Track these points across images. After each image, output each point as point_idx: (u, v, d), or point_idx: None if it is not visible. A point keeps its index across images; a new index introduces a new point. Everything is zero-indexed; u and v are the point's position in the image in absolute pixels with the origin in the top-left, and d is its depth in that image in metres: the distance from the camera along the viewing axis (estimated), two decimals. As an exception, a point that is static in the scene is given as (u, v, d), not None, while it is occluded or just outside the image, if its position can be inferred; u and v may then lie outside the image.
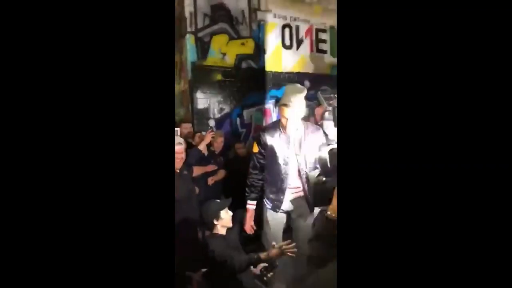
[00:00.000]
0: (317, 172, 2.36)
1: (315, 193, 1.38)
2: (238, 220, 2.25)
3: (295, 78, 4.35)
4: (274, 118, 4.14)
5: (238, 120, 3.92)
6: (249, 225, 2.10)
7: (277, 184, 2.02)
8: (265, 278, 1.97)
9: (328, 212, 0.74)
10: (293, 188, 2.03)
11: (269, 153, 2.01)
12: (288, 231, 2.12)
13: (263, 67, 4.11)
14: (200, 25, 3.64)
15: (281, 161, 1.98)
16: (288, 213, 2.08)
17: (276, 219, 2.07)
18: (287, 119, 1.92)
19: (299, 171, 2.00)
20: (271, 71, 4.16)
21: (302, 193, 2.05)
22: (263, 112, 4.09)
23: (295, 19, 4.47)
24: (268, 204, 2.10)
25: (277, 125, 2.03)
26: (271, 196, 2.07)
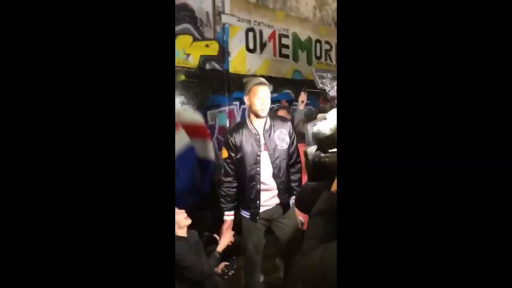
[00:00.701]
0: (314, 147, 2.36)
1: (314, 169, 1.37)
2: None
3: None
4: (238, 119, 4.19)
5: (202, 121, 3.92)
6: (228, 238, 1.93)
7: (251, 188, 1.89)
8: (226, 277, 1.99)
9: (334, 190, 0.74)
10: (267, 190, 1.90)
11: (239, 155, 1.88)
12: (269, 234, 2.04)
13: (227, 69, 4.14)
14: (163, 24, 3.60)
15: (251, 161, 1.85)
16: (266, 220, 1.98)
17: (254, 228, 1.96)
18: (263, 99, 1.80)
19: (272, 168, 1.89)
20: (235, 73, 4.20)
21: (277, 200, 1.94)
22: (226, 114, 4.11)
23: (259, 24, 4.57)
24: (245, 214, 1.97)
25: (243, 124, 1.92)
26: (246, 203, 1.94)
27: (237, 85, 4.22)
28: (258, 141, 1.87)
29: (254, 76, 1.98)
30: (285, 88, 4.76)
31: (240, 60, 4.31)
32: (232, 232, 1.93)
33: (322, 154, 1.04)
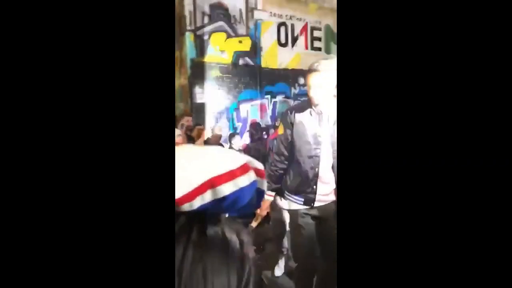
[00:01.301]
0: None
1: None
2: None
3: (290, 74, 4.57)
4: (269, 113, 4.35)
5: (234, 114, 4.13)
6: (264, 212, 1.82)
7: (308, 171, 1.61)
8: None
9: None
10: (323, 183, 1.62)
11: (298, 134, 1.62)
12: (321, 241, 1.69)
13: (259, 64, 4.30)
14: (199, 23, 3.82)
15: (311, 140, 1.58)
16: (317, 218, 1.67)
17: (304, 226, 1.67)
18: (315, 87, 1.53)
19: (332, 158, 1.60)
20: (267, 68, 4.35)
21: (333, 196, 1.64)
22: (258, 107, 4.29)
23: (290, 18, 4.65)
24: (298, 200, 1.67)
25: (307, 103, 1.65)
26: (301, 188, 1.65)
27: (268, 79, 4.38)
28: (321, 120, 1.59)
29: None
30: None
31: (271, 55, 4.44)
32: (269, 209, 1.80)
33: None
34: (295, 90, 4.60)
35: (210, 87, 3.94)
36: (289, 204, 1.73)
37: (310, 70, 1.56)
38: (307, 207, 1.65)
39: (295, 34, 4.72)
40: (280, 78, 4.47)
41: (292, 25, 4.67)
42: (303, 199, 1.66)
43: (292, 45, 4.67)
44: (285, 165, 1.71)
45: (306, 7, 4.86)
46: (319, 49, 5.01)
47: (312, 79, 1.55)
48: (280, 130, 1.70)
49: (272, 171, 1.75)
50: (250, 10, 4.19)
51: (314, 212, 1.66)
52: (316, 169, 1.61)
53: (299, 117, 1.62)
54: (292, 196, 1.69)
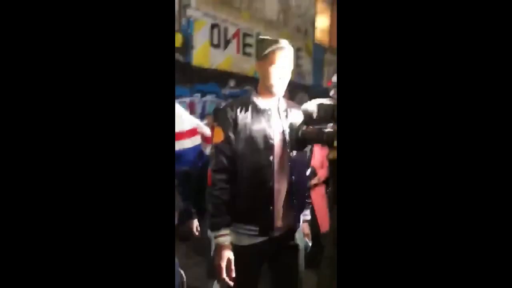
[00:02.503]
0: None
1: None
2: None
3: (222, 76, 4.59)
4: (199, 110, 4.28)
5: (162, 110, 3.96)
6: (230, 273, 1.15)
7: (262, 188, 1.18)
8: None
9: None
10: (281, 203, 1.20)
11: (244, 138, 1.18)
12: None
13: (190, 61, 4.23)
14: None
15: (261, 145, 1.17)
16: (269, 244, 1.20)
17: (249, 263, 1.19)
18: (283, 69, 1.18)
19: (289, 164, 1.21)
20: (198, 66, 4.30)
21: (293, 220, 1.24)
22: (187, 105, 4.19)
23: (223, 21, 4.71)
24: (251, 231, 1.18)
25: (247, 99, 1.24)
26: (252, 213, 1.18)
27: (199, 78, 4.32)
28: (270, 119, 1.21)
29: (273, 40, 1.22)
30: (247, 85, 4.93)
31: (203, 54, 4.41)
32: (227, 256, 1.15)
33: (305, 127, 1.13)
34: (225, 92, 4.63)
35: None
36: (239, 239, 1.19)
37: (280, 48, 1.15)
38: (264, 238, 1.18)
39: (228, 37, 4.78)
40: (212, 78, 4.47)
41: (225, 28, 4.73)
42: (257, 228, 1.18)
43: (225, 48, 4.72)
44: (229, 185, 1.18)
45: (239, 13, 4.98)
46: (250, 55, 5.16)
47: (279, 57, 1.16)
48: (218, 136, 1.19)
49: (217, 198, 1.17)
50: (183, 6, 4.13)
51: (271, 247, 1.20)
52: (271, 184, 1.17)
53: (241, 115, 1.19)
54: (242, 226, 1.19)
